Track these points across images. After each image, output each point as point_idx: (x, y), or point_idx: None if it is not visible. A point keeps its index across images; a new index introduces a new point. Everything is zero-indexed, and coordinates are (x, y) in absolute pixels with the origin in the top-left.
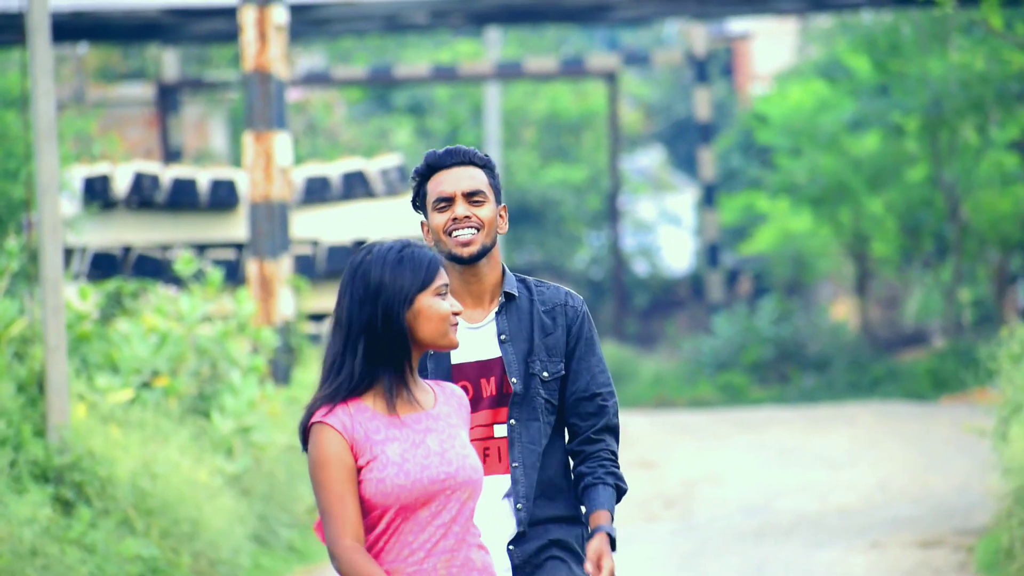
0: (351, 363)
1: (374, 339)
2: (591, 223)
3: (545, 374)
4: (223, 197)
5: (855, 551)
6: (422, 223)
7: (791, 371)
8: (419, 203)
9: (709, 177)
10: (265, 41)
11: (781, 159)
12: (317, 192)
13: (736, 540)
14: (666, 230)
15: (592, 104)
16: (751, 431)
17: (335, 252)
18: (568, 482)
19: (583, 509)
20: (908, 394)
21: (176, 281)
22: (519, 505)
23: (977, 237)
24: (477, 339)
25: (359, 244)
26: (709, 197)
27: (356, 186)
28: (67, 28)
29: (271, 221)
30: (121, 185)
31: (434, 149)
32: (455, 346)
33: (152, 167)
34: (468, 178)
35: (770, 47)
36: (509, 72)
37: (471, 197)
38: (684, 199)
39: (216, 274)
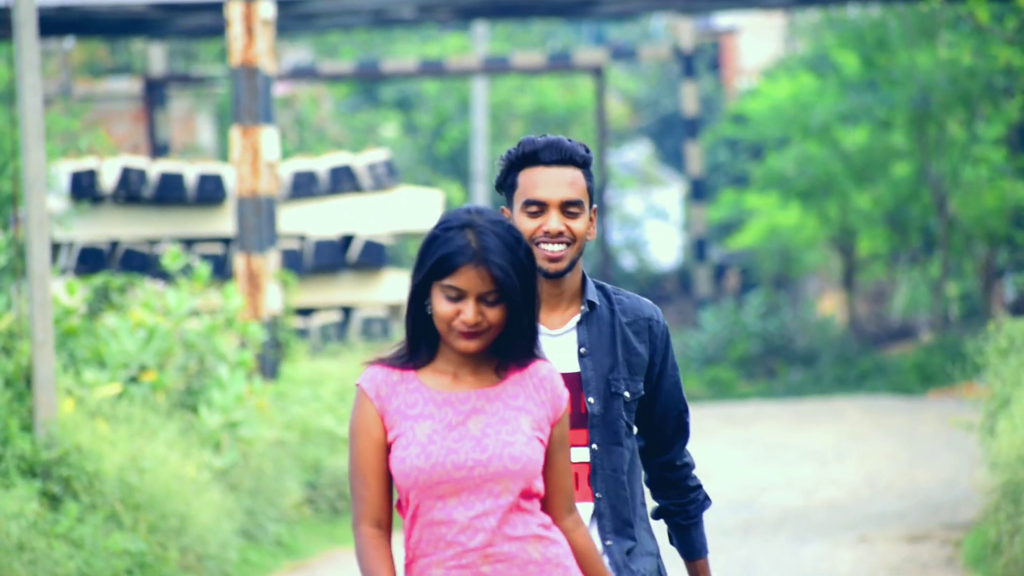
0: (407, 332)
1: (412, 312)
2: None
3: (627, 394)
4: (210, 192)
5: (842, 546)
6: (503, 209)
7: (778, 366)
8: (505, 190)
9: (696, 172)
10: (252, 36)
11: (770, 155)
12: (304, 187)
13: (722, 535)
14: (653, 225)
15: (579, 99)
16: (738, 426)
17: (322, 247)
18: (645, 510)
19: (675, 546)
20: (895, 388)
21: (163, 276)
22: (608, 542)
23: (964, 232)
24: (554, 348)
25: (346, 239)
26: (696, 192)
27: (343, 181)
28: (53, 23)
29: (258, 216)
30: (108, 180)
31: (531, 136)
32: (467, 351)
33: (139, 162)
34: (568, 185)
35: (757, 42)
36: (496, 67)
37: (568, 208)
38: (671, 194)
39: (203, 269)
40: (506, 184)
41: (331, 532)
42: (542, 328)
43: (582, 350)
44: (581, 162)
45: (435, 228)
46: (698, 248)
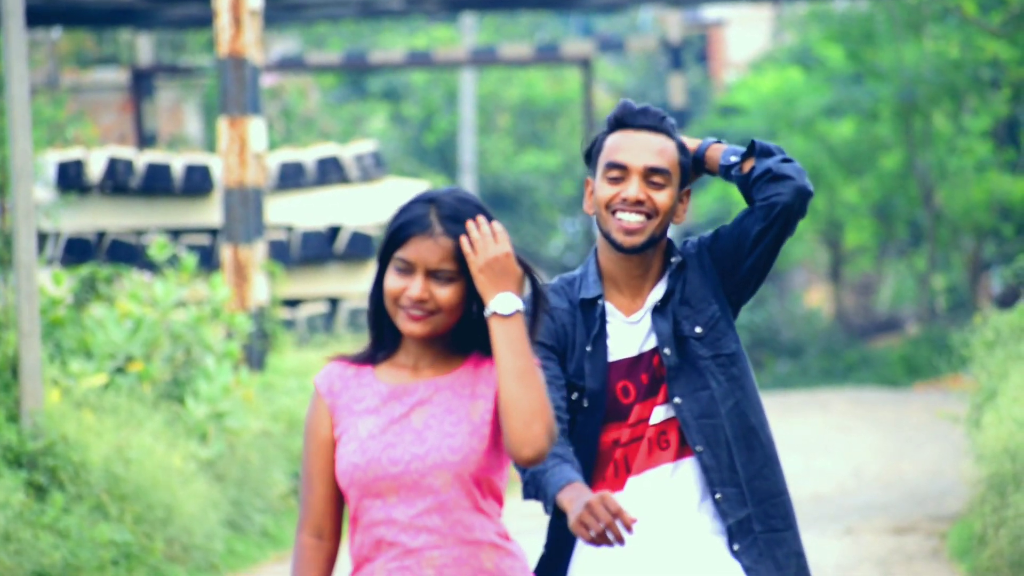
0: (369, 322)
1: (374, 300)
2: (565, 209)
3: (698, 329)
4: (197, 182)
5: (828, 537)
6: (587, 180)
7: (765, 357)
8: (592, 156)
9: None
10: (240, 26)
11: None
12: (291, 178)
13: None
14: None
15: (567, 90)
16: None
17: (309, 237)
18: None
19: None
20: (881, 381)
21: (150, 266)
22: (718, 495)
23: (951, 224)
24: (636, 335)
25: (333, 230)
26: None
27: (330, 172)
28: (41, 12)
29: (245, 206)
30: (95, 170)
31: (629, 100)
32: (407, 335)
33: (126, 152)
34: (656, 152)
35: (744, 34)
36: (484, 58)
37: (651, 176)
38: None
39: (190, 259)
40: (593, 150)
41: None
42: (617, 314)
43: (656, 304)
44: (674, 134)
45: (402, 203)
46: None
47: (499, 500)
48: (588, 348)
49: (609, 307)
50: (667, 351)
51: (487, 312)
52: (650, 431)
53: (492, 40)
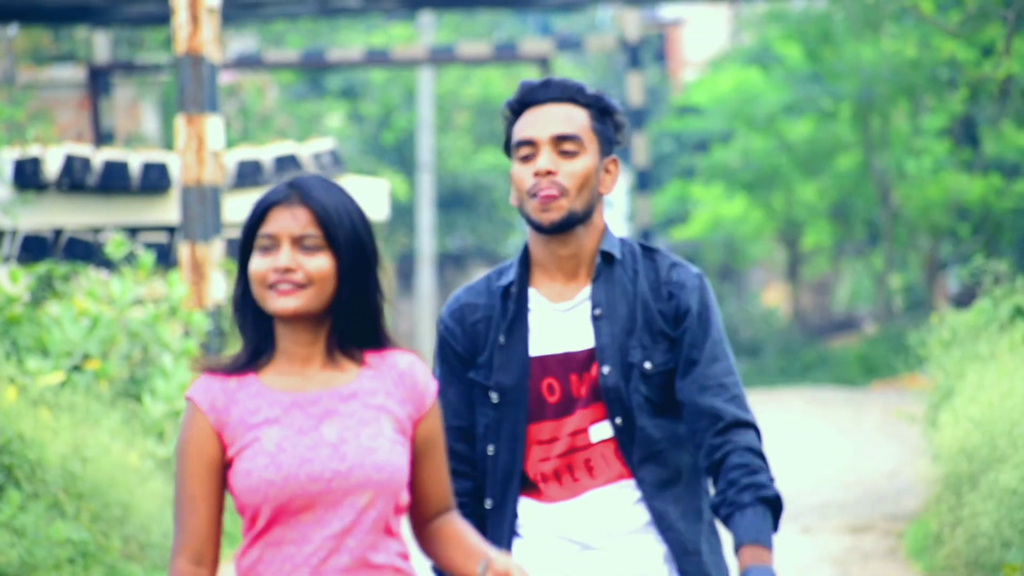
0: (238, 324)
1: (239, 297)
2: None
3: (648, 365)
4: (155, 180)
5: (785, 536)
6: (512, 173)
7: None
8: (508, 146)
9: (642, 163)
10: (197, 24)
11: (715, 147)
12: (249, 176)
13: None
14: None
15: None
16: None
17: None
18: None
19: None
20: (839, 380)
21: (107, 264)
22: (656, 502)
23: (908, 224)
24: (567, 324)
25: None
26: (642, 182)
27: (288, 170)
28: None
29: (203, 204)
30: (52, 168)
31: (528, 79)
32: (279, 314)
33: (83, 150)
34: (562, 120)
35: (703, 34)
36: (442, 57)
37: (561, 144)
38: (617, 184)
39: (147, 257)
40: (509, 140)
41: None
42: (548, 303)
43: (596, 312)
44: (585, 101)
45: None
46: (643, 239)
47: (403, 511)
48: (501, 339)
49: (533, 293)
50: (606, 370)
51: None
52: (590, 451)
53: (450, 39)
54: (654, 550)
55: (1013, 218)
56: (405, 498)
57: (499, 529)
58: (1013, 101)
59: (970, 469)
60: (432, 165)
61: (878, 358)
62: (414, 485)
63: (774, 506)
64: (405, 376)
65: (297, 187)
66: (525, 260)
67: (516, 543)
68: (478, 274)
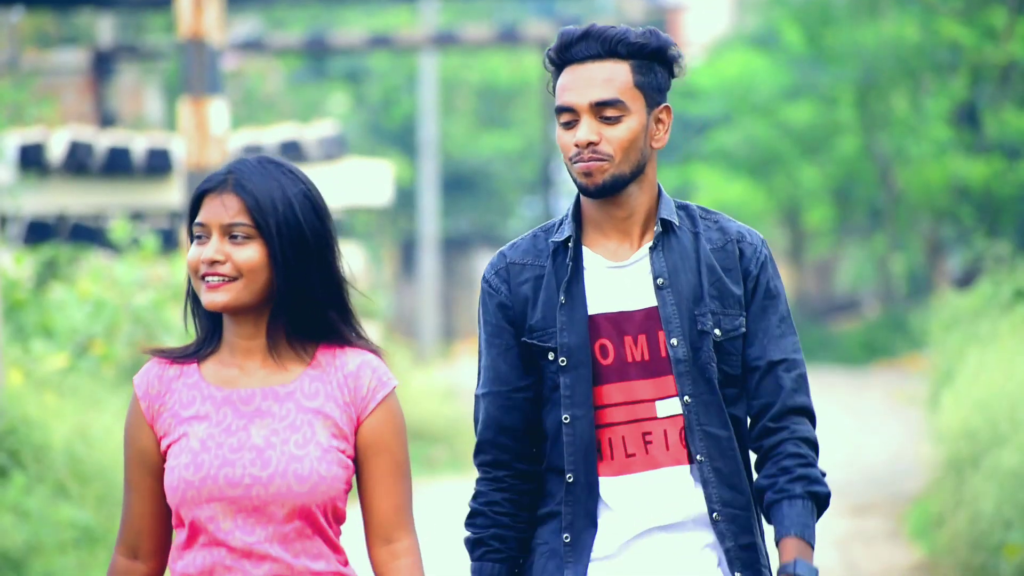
0: (194, 311)
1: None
2: (525, 191)
3: (718, 331)
4: (158, 164)
5: None
6: (558, 136)
7: None
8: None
9: None
10: (200, 8)
11: (717, 132)
12: None
13: None
14: None
15: (526, 73)
16: None
17: None
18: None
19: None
20: (841, 361)
21: (111, 248)
22: (715, 515)
23: (909, 207)
24: (622, 283)
25: None
26: None
27: (291, 153)
28: None
29: None
30: (56, 152)
31: (568, 28)
32: (208, 308)
33: (87, 134)
34: (600, 83)
35: (705, 17)
36: (445, 40)
37: (602, 111)
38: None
39: (151, 241)
40: (554, 93)
41: None
42: (603, 261)
43: (659, 280)
44: (626, 52)
45: None
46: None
47: (342, 519)
48: (562, 298)
49: (586, 251)
50: (674, 341)
51: None
52: (655, 425)
53: (452, 21)
54: (708, 555)
55: (1014, 201)
56: (342, 507)
57: (580, 505)
58: (1015, 84)
59: (971, 450)
60: (435, 149)
61: (880, 340)
62: (360, 493)
63: (822, 505)
64: (351, 378)
65: (233, 172)
66: (578, 216)
67: (605, 515)
68: (481, 258)
